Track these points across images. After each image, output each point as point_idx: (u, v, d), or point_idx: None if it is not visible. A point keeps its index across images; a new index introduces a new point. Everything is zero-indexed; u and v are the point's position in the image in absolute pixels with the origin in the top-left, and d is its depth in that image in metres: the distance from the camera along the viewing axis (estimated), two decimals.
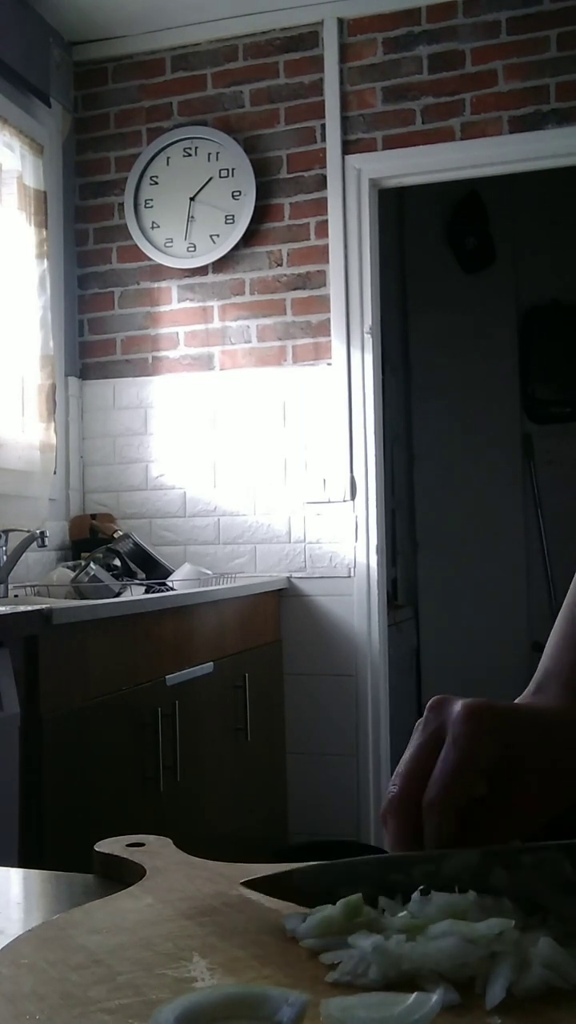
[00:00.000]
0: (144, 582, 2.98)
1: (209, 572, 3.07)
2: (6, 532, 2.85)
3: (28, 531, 2.87)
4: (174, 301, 3.52)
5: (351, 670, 3.31)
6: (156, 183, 3.49)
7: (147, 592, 2.86)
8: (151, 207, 3.49)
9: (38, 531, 2.85)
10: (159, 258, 3.48)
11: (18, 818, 1.88)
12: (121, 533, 3.18)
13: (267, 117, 3.43)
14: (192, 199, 3.44)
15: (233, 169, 3.41)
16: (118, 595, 2.85)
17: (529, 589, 4.88)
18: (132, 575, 3.02)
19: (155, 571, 3.04)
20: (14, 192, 3.11)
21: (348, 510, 3.32)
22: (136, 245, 3.50)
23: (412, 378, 5.11)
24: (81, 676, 2.16)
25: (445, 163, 3.30)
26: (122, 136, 3.58)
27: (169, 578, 3.00)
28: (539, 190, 4.62)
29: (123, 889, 0.58)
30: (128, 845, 0.66)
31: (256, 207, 3.38)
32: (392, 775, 0.60)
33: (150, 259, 3.50)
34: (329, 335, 3.36)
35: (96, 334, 3.60)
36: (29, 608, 2.01)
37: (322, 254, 3.37)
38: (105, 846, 0.66)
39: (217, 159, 3.43)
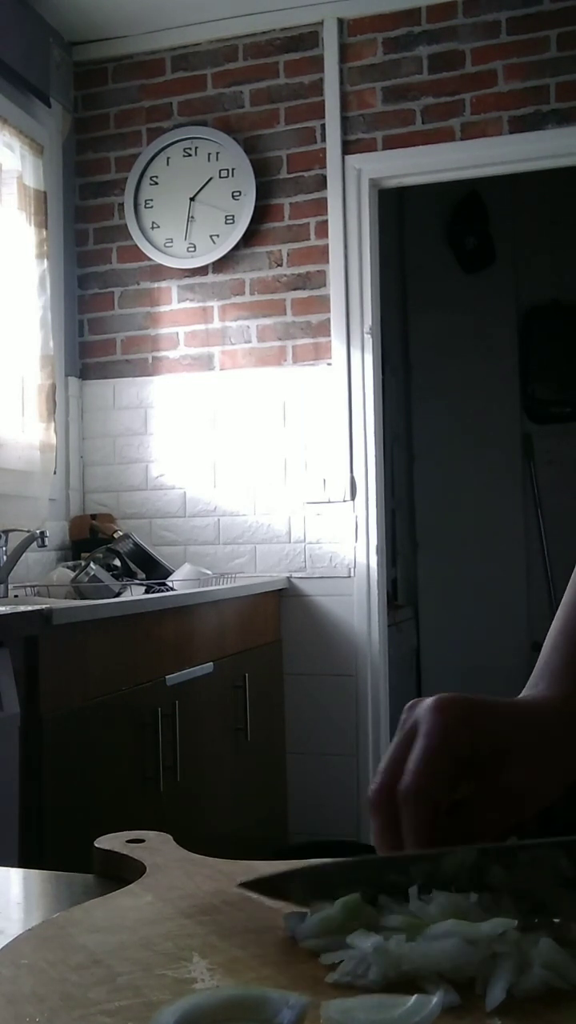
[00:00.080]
0: (144, 582, 2.98)
1: (209, 572, 3.07)
2: (6, 532, 2.85)
3: (28, 531, 2.87)
4: (174, 301, 3.52)
5: (351, 670, 3.31)
6: (156, 183, 3.49)
7: (147, 592, 2.86)
8: (151, 207, 3.49)
9: (38, 531, 2.85)
10: (159, 258, 3.48)
11: (18, 818, 1.88)
12: (121, 533, 3.17)
13: (267, 117, 3.43)
14: (192, 199, 3.44)
15: (233, 169, 3.41)
16: (118, 595, 2.85)
17: (529, 589, 4.88)
18: (132, 575, 3.02)
19: (155, 571, 3.04)
20: (14, 192, 3.11)
21: (348, 510, 3.32)
22: (136, 245, 3.50)
23: (412, 378, 5.11)
24: (81, 676, 2.16)
25: (445, 163, 3.30)
26: (122, 136, 3.58)
27: (169, 578, 2.99)
28: (539, 190, 4.61)
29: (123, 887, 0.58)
30: (128, 841, 0.65)
31: (256, 207, 3.38)
32: None
33: (150, 259, 3.50)
34: (329, 335, 3.35)
35: (96, 334, 3.60)
36: (29, 608, 2.01)
37: (322, 254, 3.37)
38: (105, 842, 0.66)
39: (217, 159, 3.43)
